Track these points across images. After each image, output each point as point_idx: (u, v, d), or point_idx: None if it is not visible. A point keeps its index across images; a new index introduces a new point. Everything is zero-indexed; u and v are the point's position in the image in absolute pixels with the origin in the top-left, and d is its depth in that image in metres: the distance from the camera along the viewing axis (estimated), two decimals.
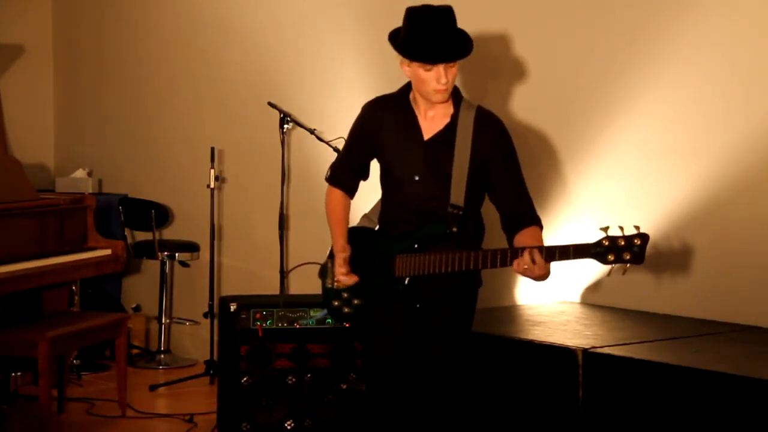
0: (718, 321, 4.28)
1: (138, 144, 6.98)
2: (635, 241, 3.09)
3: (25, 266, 4.92)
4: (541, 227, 3.45)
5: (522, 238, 3.38)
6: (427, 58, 3.30)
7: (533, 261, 3.21)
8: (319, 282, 3.69)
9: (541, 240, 3.40)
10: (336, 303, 3.60)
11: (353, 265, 3.54)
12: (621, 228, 3.12)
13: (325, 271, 3.66)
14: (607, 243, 3.12)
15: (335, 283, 3.60)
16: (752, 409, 3.31)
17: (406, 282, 3.44)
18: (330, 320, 4.72)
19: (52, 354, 4.78)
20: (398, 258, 3.44)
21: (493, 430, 3.97)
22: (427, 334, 3.48)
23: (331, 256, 3.63)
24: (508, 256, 3.27)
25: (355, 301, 3.56)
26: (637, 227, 3.10)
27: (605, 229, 3.13)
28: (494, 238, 3.56)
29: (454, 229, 3.38)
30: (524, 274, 3.26)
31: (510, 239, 3.43)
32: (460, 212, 3.39)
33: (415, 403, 3.52)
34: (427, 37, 3.29)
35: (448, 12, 3.34)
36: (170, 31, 6.78)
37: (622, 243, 3.10)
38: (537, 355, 3.90)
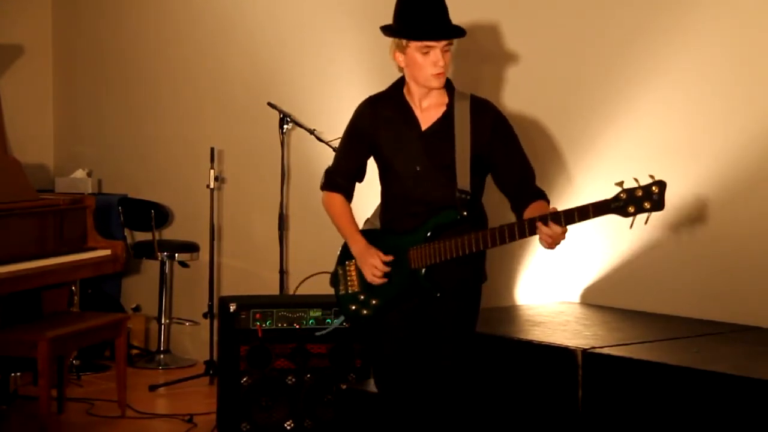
0: (718, 321, 4.28)
1: (138, 144, 6.98)
2: (653, 188, 3.09)
3: (25, 266, 4.92)
4: (547, 201, 3.46)
5: (530, 213, 3.37)
6: (428, 36, 3.35)
7: (551, 229, 3.19)
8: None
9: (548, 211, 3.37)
10: (354, 307, 3.57)
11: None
12: (636, 180, 3.11)
13: (336, 279, 3.62)
14: (624, 196, 3.12)
15: (350, 288, 3.56)
16: (752, 409, 3.31)
17: (423, 272, 3.43)
18: (329, 320, 4.72)
19: (52, 354, 4.78)
20: (412, 250, 3.44)
21: (493, 430, 3.97)
22: (433, 330, 3.48)
23: (341, 262, 3.61)
24: (516, 230, 3.26)
25: (373, 302, 3.52)
26: (651, 176, 3.10)
27: (620, 183, 3.12)
28: (496, 223, 3.54)
29: (465, 213, 3.40)
30: (548, 241, 3.23)
31: (519, 215, 3.42)
32: (468, 197, 3.40)
33: (421, 400, 3.51)
34: (426, 17, 3.36)
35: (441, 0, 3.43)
36: (170, 31, 6.78)
37: (641, 193, 3.10)
38: (537, 356, 3.90)
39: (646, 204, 3.10)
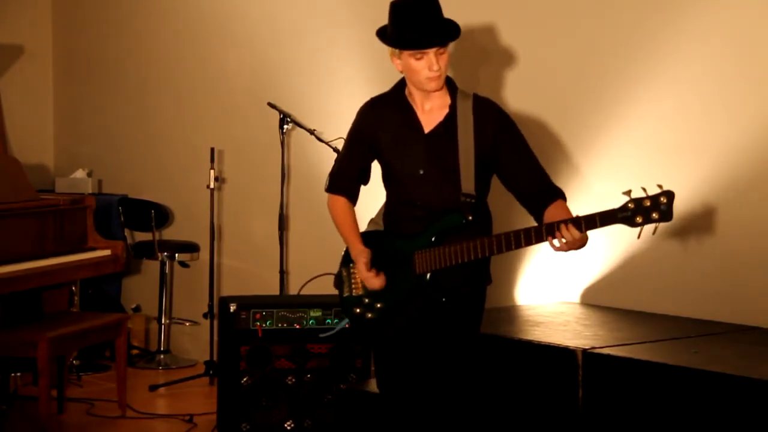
0: (718, 321, 4.28)
1: (138, 144, 6.98)
2: (661, 199, 3.06)
3: (25, 266, 4.92)
4: (565, 199, 3.42)
5: (553, 213, 3.33)
6: (416, 45, 3.30)
7: (571, 235, 3.17)
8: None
9: (570, 212, 3.34)
10: (358, 310, 3.53)
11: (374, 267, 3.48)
12: (644, 189, 3.09)
13: (340, 280, 3.59)
14: (632, 206, 3.09)
15: (354, 290, 3.54)
16: (752, 409, 3.31)
17: (428, 277, 3.41)
18: (329, 321, 4.72)
19: (52, 354, 4.78)
20: (417, 255, 3.40)
21: (493, 430, 3.97)
22: (438, 332, 3.46)
23: (345, 264, 3.58)
24: (533, 235, 3.22)
25: (378, 305, 3.48)
26: (660, 186, 3.09)
27: (628, 192, 3.10)
28: (500, 226, 3.55)
29: (470, 218, 3.36)
30: (564, 249, 3.21)
31: (539, 217, 3.38)
32: (473, 200, 3.37)
33: (423, 401, 3.50)
34: (414, 25, 3.30)
35: (431, 0, 3.35)
36: (170, 31, 6.78)
37: (648, 203, 3.07)
38: (537, 356, 3.90)
39: (654, 214, 3.08)
